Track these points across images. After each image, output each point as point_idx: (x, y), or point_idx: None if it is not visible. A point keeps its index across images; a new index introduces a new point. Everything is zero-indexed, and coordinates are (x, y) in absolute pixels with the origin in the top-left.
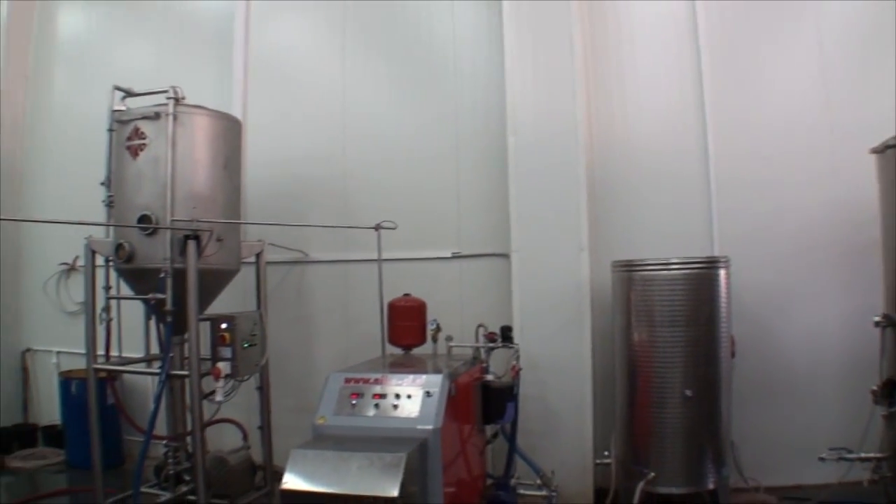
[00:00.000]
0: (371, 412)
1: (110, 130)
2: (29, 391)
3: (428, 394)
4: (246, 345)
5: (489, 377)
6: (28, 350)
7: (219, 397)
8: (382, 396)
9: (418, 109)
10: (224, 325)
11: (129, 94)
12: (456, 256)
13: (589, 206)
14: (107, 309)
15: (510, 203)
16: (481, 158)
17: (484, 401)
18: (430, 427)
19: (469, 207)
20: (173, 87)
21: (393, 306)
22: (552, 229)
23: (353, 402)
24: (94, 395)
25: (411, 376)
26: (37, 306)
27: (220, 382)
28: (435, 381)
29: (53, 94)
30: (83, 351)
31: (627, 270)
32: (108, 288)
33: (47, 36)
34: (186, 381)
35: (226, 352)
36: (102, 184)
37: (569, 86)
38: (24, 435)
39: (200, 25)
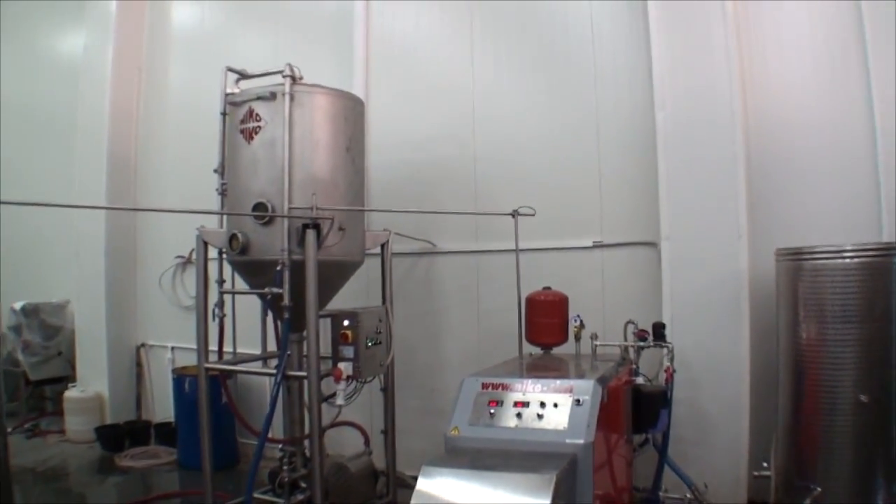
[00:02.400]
0: (512, 422)
1: (223, 114)
2: (143, 387)
3: (578, 402)
4: (370, 343)
5: (640, 380)
6: (143, 345)
7: (339, 401)
8: (525, 405)
9: (552, 85)
10: (346, 322)
11: (242, 75)
12: (597, 246)
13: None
14: (220, 304)
15: (660, 186)
16: (625, 137)
17: (635, 407)
18: (581, 441)
19: (612, 192)
20: (289, 65)
21: (532, 301)
22: (707, 214)
23: (492, 410)
24: (204, 395)
25: (558, 381)
26: (152, 300)
27: (342, 385)
28: (586, 388)
29: (169, 85)
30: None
31: (795, 259)
32: (221, 282)
33: (160, 28)
34: (305, 381)
35: (348, 351)
36: (216, 171)
37: (722, 54)
38: (137, 432)
39: (318, 14)
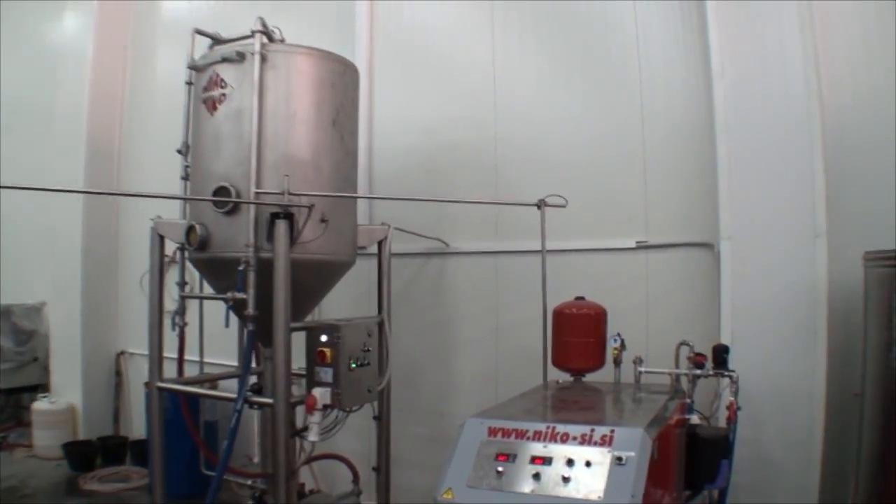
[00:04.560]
0: (527, 486)
1: (189, 83)
2: (122, 399)
3: (619, 460)
4: (354, 364)
5: (695, 419)
6: (122, 353)
7: (311, 436)
8: (546, 461)
9: (586, 60)
10: (324, 338)
11: (215, 39)
12: (641, 246)
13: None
14: (180, 311)
15: (719, 175)
16: (674, 116)
17: (689, 456)
18: None
19: (658, 182)
20: (261, 20)
21: (561, 314)
22: (777, 209)
23: (500, 467)
24: (157, 417)
25: (592, 428)
26: (134, 304)
27: (316, 416)
28: (631, 439)
29: (157, 67)
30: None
31: (892, 265)
32: (182, 284)
33: (148, 7)
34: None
35: (325, 373)
36: (178, 151)
37: (793, 19)
38: (111, 450)
39: None
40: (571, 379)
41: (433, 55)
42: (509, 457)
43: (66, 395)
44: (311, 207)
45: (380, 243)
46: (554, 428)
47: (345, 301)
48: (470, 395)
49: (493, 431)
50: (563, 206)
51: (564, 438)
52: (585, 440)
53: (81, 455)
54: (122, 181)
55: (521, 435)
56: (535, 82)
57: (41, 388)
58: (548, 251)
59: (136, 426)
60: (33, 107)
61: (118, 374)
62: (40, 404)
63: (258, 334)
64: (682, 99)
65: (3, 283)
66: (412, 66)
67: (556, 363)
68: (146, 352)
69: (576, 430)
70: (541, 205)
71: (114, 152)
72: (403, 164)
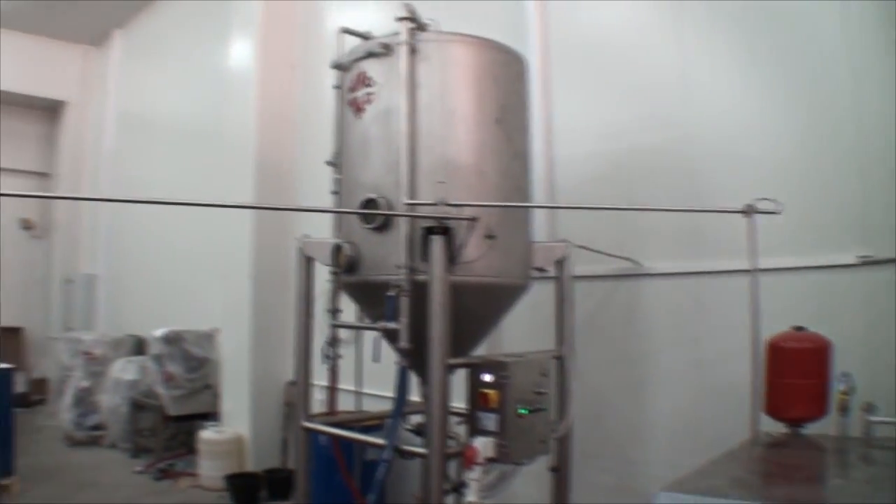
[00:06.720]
0: None
1: (336, 87)
2: (291, 430)
3: None
4: (524, 410)
5: None
6: (293, 382)
7: (471, 496)
8: None
9: (790, 60)
10: (487, 378)
11: (365, 38)
12: (866, 262)
13: None
14: (332, 342)
15: None
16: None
17: None
18: None
19: (879, 188)
20: (409, 6)
21: (777, 348)
22: None
23: None
24: (303, 458)
25: None
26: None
27: (476, 472)
28: None
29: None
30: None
31: None
32: (334, 311)
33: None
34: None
35: (488, 420)
36: (328, 163)
37: None
38: (277, 483)
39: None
40: (786, 430)
41: (614, 56)
42: None
43: (234, 424)
44: (473, 220)
45: (559, 263)
46: None
47: (523, 332)
48: (664, 440)
49: None
50: (777, 213)
51: None
52: None
53: (245, 488)
54: (292, 200)
55: None
56: (728, 79)
57: (212, 416)
58: (759, 271)
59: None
60: (204, 132)
61: (287, 404)
62: (207, 433)
63: (415, 369)
64: None
65: (181, 310)
66: (591, 68)
67: (769, 410)
68: (318, 381)
69: None
70: (748, 211)
71: (283, 171)
72: (586, 172)
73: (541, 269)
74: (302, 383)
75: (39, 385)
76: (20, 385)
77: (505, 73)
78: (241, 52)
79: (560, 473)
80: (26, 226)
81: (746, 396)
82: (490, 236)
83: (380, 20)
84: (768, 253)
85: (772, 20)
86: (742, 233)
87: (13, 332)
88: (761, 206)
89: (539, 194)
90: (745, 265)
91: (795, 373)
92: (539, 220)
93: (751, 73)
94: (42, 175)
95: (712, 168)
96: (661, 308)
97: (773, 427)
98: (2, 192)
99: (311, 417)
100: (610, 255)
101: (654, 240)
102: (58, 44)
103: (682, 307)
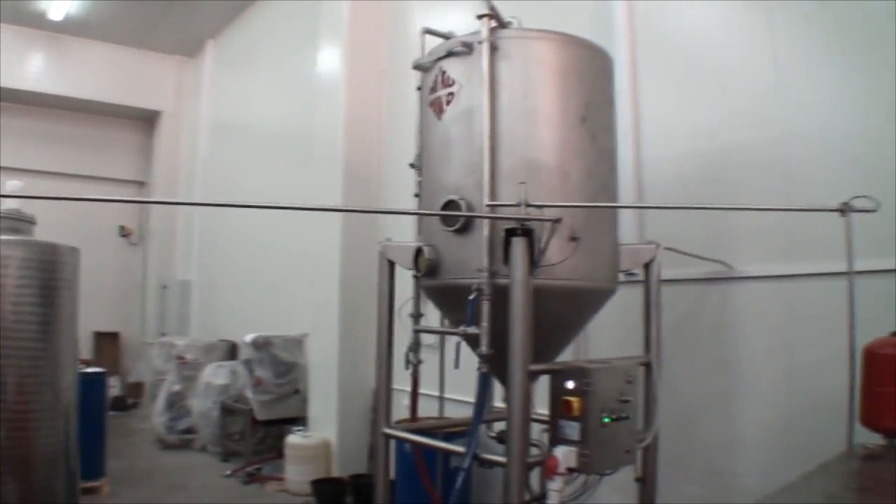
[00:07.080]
0: None
1: (418, 89)
2: (377, 436)
3: None
4: (608, 419)
5: None
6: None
7: (553, 502)
8: None
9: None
10: (570, 384)
11: (447, 38)
12: None
13: None
14: (414, 348)
15: None
16: None
17: None
18: None
19: None
20: (489, 3)
21: (873, 355)
22: None
23: None
24: (383, 468)
25: None
26: (397, 335)
27: (557, 482)
28: None
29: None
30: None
31: None
32: (416, 316)
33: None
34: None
35: (570, 429)
36: (411, 166)
37: None
38: (362, 489)
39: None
40: (883, 442)
41: (703, 55)
42: None
43: (321, 429)
44: (556, 221)
45: (647, 266)
46: None
47: (610, 337)
48: (755, 451)
49: None
50: (874, 211)
51: None
52: None
53: (330, 493)
54: (379, 204)
55: None
56: (825, 77)
57: (300, 420)
58: (855, 273)
59: (393, 465)
60: (294, 138)
61: (373, 409)
62: (294, 438)
63: (497, 375)
64: None
65: (272, 315)
66: (679, 66)
67: (864, 420)
68: (404, 387)
69: None
70: (844, 210)
71: (370, 175)
72: (676, 173)
73: (628, 273)
74: (383, 389)
75: (135, 389)
76: (116, 389)
77: (590, 70)
78: (329, 57)
79: (645, 484)
80: (124, 233)
81: (841, 406)
82: (574, 238)
83: (466, 21)
84: (866, 254)
85: (870, 19)
86: (839, 234)
87: (110, 337)
88: (858, 202)
89: (627, 195)
90: (841, 267)
91: (894, 381)
92: (626, 221)
93: (848, 72)
94: (139, 184)
95: (809, 168)
96: (752, 313)
97: (869, 438)
98: (95, 197)
99: (392, 424)
100: (700, 257)
101: (746, 242)
102: (153, 55)
103: (775, 312)
